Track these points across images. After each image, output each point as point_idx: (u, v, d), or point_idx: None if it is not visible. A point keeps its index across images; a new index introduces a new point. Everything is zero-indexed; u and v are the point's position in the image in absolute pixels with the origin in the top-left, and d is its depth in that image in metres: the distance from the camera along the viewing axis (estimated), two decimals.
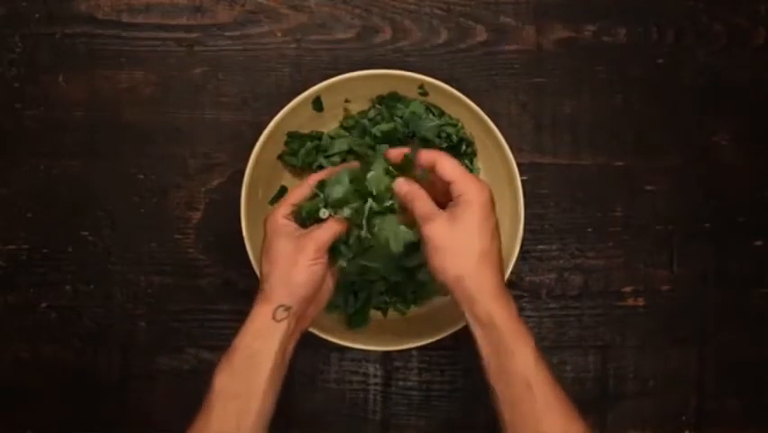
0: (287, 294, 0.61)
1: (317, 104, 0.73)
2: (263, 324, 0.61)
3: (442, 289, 0.74)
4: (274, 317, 0.61)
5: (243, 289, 0.78)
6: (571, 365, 0.79)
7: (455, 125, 0.74)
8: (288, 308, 0.61)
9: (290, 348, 0.63)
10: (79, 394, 0.78)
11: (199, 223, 0.78)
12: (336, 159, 0.74)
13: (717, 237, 0.79)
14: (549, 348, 0.79)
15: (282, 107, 0.70)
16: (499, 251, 0.61)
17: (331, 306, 0.75)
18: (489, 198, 0.61)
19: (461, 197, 0.60)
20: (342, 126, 0.75)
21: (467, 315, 0.60)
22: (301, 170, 0.75)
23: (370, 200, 0.65)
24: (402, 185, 0.64)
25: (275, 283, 0.62)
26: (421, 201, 0.62)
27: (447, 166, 0.61)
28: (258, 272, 0.70)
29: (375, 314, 0.75)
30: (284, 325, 0.61)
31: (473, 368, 0.79)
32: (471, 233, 0.59)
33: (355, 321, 0.74)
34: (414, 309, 0.76)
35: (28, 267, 0.78)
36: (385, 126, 0.73)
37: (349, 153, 0.74)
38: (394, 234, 0.65)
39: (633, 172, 0.79)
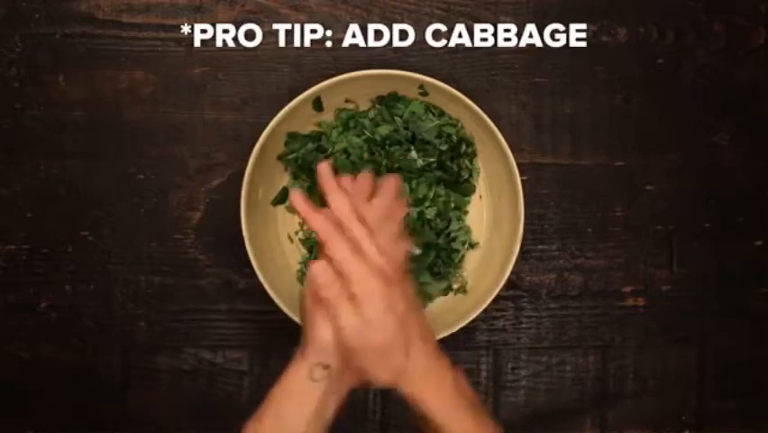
0: (325, 351, 0.55)
1: (317, 104, 0.73)
2: (298, 383, 0.56)
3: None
4: (311, 377, 0.56)
5: (243, 289, 0.78)
6: (571, 365, 0.79)
7: (455, 125, 0.74)
8: (326, 367, 0.55)
9: (329, 413, 0.56)
10: (79, 394, 0.78)
11: (199, 223, 0.78)
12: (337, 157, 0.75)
13: (717, 237, 0.79)
14: (549, 348, 0.79)
15: (282, 107, 0.70)
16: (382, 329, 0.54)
17: None
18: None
19: None
20: (337, 119, 0.75)
21: None
22: (301, 170, 0.75)
23: None
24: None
25: (310, 338, 0.56)
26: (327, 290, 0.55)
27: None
28: (260, 276, 0.70)
29: None
30: (322, 385, 0.55)
31: (473, 368, 0.79)
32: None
33: None
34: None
35: (28, 267, 0.78)
36: (385, 129, 0.74)
37: (345, 153, 0.75)
38: None
39: (633, 172, 0.79)
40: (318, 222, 0.56)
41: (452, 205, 0.75)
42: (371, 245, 0.55)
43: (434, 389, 0.56)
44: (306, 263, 0.76)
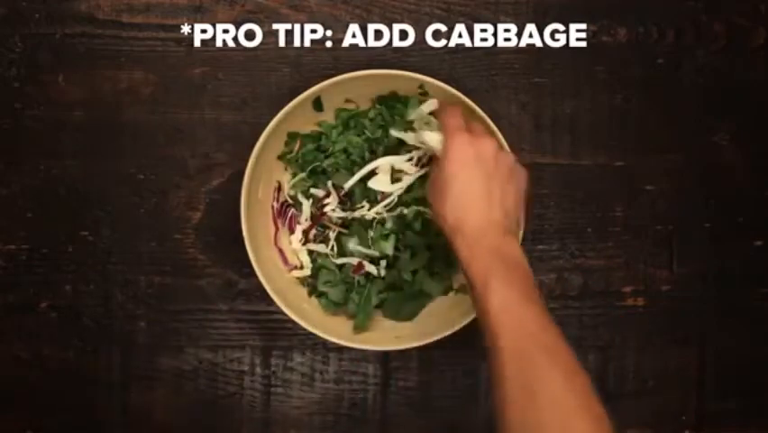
0: None
1: (317, 104, 0.73)
2: None
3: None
4: None
5: (243, 289, 0.78)
6: None
7: None
8: None
9: None
10: (79, 394, 0.78)
11: (199, 223, 0.78)
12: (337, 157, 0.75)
13: (717, 237, 0.79)
14: None
15: (282, 107, 0.70)
16: (485, 189, 0.61)
17: (330, 304, 0.75)
18: (462, 145, 0.62)
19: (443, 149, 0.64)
20: (337, 119, 0.75)
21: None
22: (301, 170, 0.75)
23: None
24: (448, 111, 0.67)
25: None
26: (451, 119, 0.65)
27: (442, 123, 0.66)
28: (260, 276, 0.70)
29: (375, 313, 0.75)
30: None
31: (473, 368, 0.79)
32: (443, 180, 0.62)
33: (358, 322, 0.74)
34: None
35: (28, 267, 0.78)
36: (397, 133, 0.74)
37: (345, 153, 0.75)
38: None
39: (633, 172, 0.79)
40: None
41: None
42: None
43: (468, 243, 0.59)
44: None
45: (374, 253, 0.74)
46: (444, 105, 0.69)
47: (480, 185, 0.61)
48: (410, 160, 0.73)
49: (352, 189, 0.74)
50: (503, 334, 0.54)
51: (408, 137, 0.70)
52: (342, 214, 0.74)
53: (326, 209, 0.75)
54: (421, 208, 0.73)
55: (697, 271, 0.79)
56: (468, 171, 0.61)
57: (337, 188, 0.74)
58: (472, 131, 0.64)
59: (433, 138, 0.67)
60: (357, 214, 0.74)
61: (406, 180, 0.73)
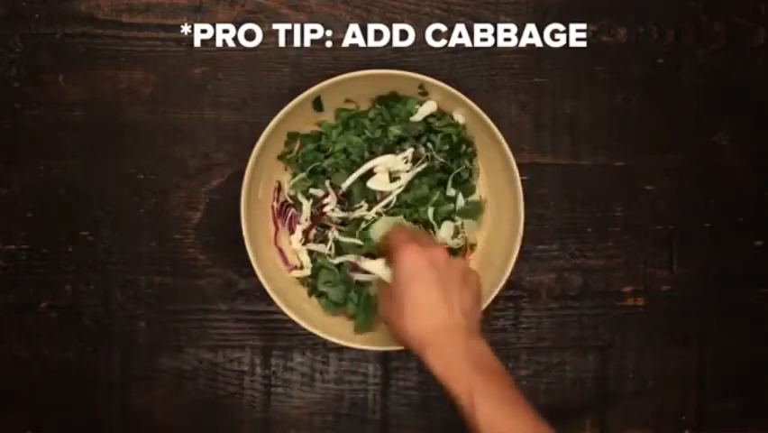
0: None
1: (317, 104, 0.73)
2: None
3: None
4: None
5: (243, 289, 0.78)
6: (571, 365, 0.79)
7: (455, 126, 0.74)
8: None
9: None
10: (79, 394, 0.78)
11: (199, 223, 0.78)
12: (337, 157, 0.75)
13: (717, 237, 0.79)
14: (549, 348, 0.79)
15: (282, 107, 0.70)
16: (442, 292, 0.61)
17: (330, 304, 0.75)
18: (411, 255, 0.62)
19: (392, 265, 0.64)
20: (337, 119, 0.75)
21: None
22: (301, 170, 0.75)
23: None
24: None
25: None
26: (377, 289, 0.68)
27: (390, 242, 0.66)
28: (260, 276, 0.70)
29: (375, 313, 0.75)
30: None
31: None
32: (398, 293, 0.62)
33: (358, 323, 0.74)
34: None
35: (28, 267, 0.78)
36: (396, 129, 0.73)
37: (345, 153, 0.75)
38: None
39: (633, 172, 0.79)
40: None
41: (452, 205, 0.75)
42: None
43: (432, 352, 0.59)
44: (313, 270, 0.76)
45: (373, 252, 0.74)
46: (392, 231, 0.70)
47: (436, 291, 0.61)
48: (405, 159, 0.73)
49: (350, 189, 0.74)
50: None
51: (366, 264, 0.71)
52: (342, 214, 0.74)
53: (326, 209, 0.75)
54: (421, 209, 0.74)
55: (697, 271, 0.79)
56: (421, 279, 0.61)
57: (336, 188, 0.74)
58: (420, 241, 0.64)
59: (374, 265, 0.69)
60: (356, 214, 0.74)
61: (405, 178, 0.73)
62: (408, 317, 0.60)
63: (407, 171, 0.74)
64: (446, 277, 0.62)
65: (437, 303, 0.60)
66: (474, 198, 0.76)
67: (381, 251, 0.71)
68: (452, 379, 0.58)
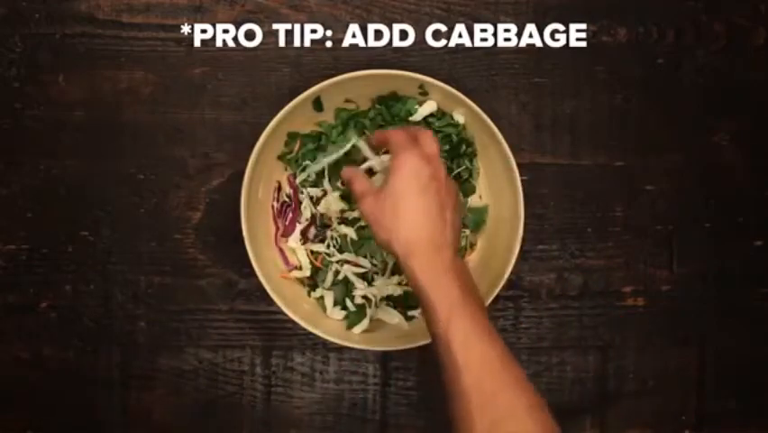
0: None
1: (317, 104, 0.73)
2: None
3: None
4: None
5: (243, 289, 0.78)
6: (571, 365, 0.79)
7: (455, 126, 0.74)
8: None
9: None
10: (79, 394, 0.78)
11: (199, 223, 0.78)
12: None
13: (717, 237, 0.79)
14: (549, 348, 0.79)
15: (282, 107, 0.70)
16: (439, 207, 0.60)
17: (330, 304, 0.75)
18: (416, 162, 0.61)
19: (391, 166, 0.62)
20: (337, 119, 0.75)
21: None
22: (301, 170, 0.75)
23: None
24: (344, 171, 0.67)
25: None
26: (357, 182, 0.64)
27: (390, 140, 0.63)
28: (260, 276, 0.70)
29: (375, 313, 0.75)
30: None
31: None
32: (395, 196, 0.60)
33: (352, 320, 0.74)
34: (413, 310, 0.76)
35: (28, 267, 0.78)
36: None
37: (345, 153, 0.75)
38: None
39: (633, 172, 0.79)
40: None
41: None
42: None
43: (425, 262, 0.59)
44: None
45: (372, 251, 0.74)
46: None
47: (435, 205, 0.60)
48: None
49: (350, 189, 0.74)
50: (468, 371, 0.56)
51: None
52: (341, 214, 0.74)
53: (325, 209, 0.75)
54: None
55: (697, 271, 0.79)
56: (422, 189, 0.60)
57: (336, 188, 0.74)
58: (423, 148, 0.62)
59: (376, 160, 0.67)
60: (356, 214, 0.74)
61: None
62: (401, 223, 0.60)
63: None
64: (444, 193, 0.61)
65: (434, 217, 0.60)
66: (477, 202, 0.76)
67: (375, 144, 0.68)
68: (433, 289, 0.58)
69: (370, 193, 0.63)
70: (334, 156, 0.72)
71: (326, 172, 0.74)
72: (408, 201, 0.60)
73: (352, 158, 0.74)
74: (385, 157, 0.67)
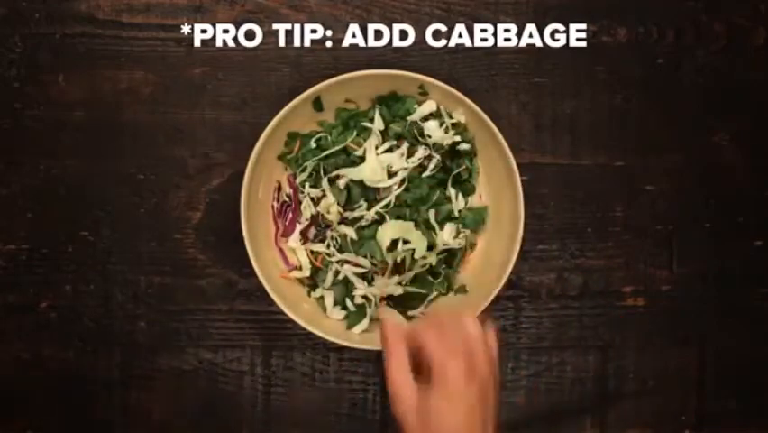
0: None
1: (317, 104, 0.73)
2: None
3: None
4: None
5: (243, 289, 0.78)
6: (571, 365, 0.79)
7: (456, 125, 0.74)
8: None
9: None
10: (79, 394, 0.78)
11: (199, 223, 0.78)
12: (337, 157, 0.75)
13: (717, 237, 0.79)
14: (549, 348, 0.79)
15: (282, 107, 0.70)
16: (482, 424, 0.55)
17: (330, 304, 0.75)
18: (462, 370, 0.55)
19: (433, 368, 0.55)
20: (337, 119, 0.75)
21: None
22: (301, 170, 0.75)
23: None
24: (385, 326, 0.59)
25: None
26: (395, 371, 0.57)
27: (425, 340, 0.56)
28: (260, 276, 0.70)
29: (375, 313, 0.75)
30: None
31: None
32: (440, 412, 0.54)
33: (352, 320, 0.74)
34: (413, 310, 0.76)
35: (28, 267, 0.78)
36: (396, 127, 0.74)
37: (345, 153, 0.75)
38: None
39: (633, 172, 0.79)
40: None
41: (452, 205, 0.75)
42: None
43: None
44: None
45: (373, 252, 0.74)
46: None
47: (479, 415, 0.55)
48: (402, 154, 0.73)
49: (350, 189, 0.74)
50: None
51: None
52: (341, 213, 0.74)
53: (324, 209, 0.75)
54: (421, 209, 0.74)
55: (697, 271, 0.79)
56: (466, 403, 0.55)
57: (335, 188, 0.74)
58: (464, 348, 0.56)
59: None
60: (356, 213, 0.74)
61: (401, 175, 0.73)
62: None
63: (405, 168, 0.73)
64: (487, 389, 0.56)
65: (476, 428, 0.55)
66: (477, 202, 0.76)
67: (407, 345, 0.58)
68: None
69: (408, 399, 0.56)
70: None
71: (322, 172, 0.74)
72: (449, 421, 0.54)
73: (351, 158, 0.74)
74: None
